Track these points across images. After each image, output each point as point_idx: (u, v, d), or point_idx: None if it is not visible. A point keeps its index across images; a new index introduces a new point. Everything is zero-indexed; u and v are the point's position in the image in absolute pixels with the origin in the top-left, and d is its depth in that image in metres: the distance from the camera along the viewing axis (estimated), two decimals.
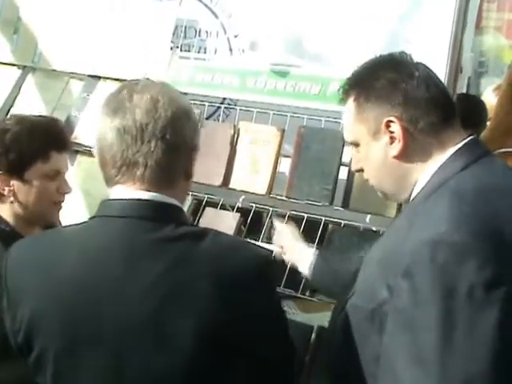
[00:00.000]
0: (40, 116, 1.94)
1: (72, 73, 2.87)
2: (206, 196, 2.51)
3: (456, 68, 2.47)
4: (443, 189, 1.26)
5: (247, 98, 2.75)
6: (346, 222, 2.35)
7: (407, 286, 1.14)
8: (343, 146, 2.34)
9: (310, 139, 2.39)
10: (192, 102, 2.64)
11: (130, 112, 1.23)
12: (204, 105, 2.65)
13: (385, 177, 1.37)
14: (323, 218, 2.38)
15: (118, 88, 1.29)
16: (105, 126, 1.24)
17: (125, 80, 2.67)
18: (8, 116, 1.95)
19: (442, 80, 1.43)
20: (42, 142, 1.81)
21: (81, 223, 1.30)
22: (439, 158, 1.30)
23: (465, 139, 1.32)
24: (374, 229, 2.33)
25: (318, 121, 2.49)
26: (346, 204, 2.31)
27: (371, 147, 1.34)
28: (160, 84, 1.30)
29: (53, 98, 2.87)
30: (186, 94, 2.77)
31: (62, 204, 1.90)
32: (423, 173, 1.31)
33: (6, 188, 1.81)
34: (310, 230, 2.36)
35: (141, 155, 1.22)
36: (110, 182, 1.27)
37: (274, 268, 1.31)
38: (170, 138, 1.23)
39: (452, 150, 1.31)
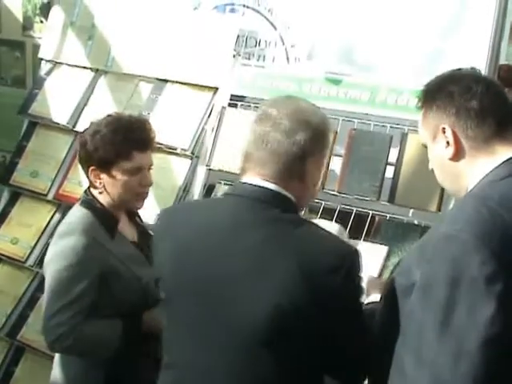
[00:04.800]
0: (131, 117, 2.23)
1: (141, 76, 3.14)
2: None
3: (493, 77, 2.68)
4: (476, 193, 1.44)
5: None
6: (391, 215, 2.62)
7: (427, 269, 1.34)
8: (390, 147, 2.61)
9: (359, 141, 2.66)
10: (252, 105, 2.93)
11: (267, 122, 1.57)
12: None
13: (444, 176, 1.58)
14: (371, 212, 2.64)
15: (267, 102, 1.67)
16: (251, 129, 1.60)
17: (190, 83, 2.96)
18: (100, 118, 2.24)
19: None
20: (124, 144, 2.11)
21: (217, 197, 1.70)
22: (488, 165, 1.47)
23: None
24: (416, 222, 2.60)
25: (367, 125, 2.72)
26: (391, 199, 2.56)
27: (434, 150, 1.56)
28: (299, 100, 1.65)
29: (123, 99, 3.15)
30: (245, 97, 3.04)
31: (146, 194, 2.21)
32: (473, 176, 1.49)
33: (98, 181, 2.14)
34: (358, 223, 2.66)
35: (264, 155, 1.55)
36: (242, 170, 1.62)
37: (359, 263, 1.52)
38: (287, 146, 1.54)
39: (501, 159, 1.47)
